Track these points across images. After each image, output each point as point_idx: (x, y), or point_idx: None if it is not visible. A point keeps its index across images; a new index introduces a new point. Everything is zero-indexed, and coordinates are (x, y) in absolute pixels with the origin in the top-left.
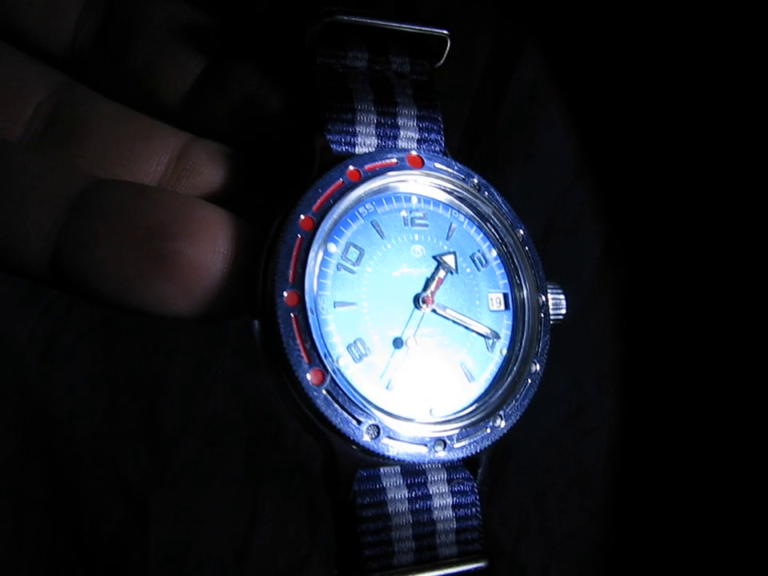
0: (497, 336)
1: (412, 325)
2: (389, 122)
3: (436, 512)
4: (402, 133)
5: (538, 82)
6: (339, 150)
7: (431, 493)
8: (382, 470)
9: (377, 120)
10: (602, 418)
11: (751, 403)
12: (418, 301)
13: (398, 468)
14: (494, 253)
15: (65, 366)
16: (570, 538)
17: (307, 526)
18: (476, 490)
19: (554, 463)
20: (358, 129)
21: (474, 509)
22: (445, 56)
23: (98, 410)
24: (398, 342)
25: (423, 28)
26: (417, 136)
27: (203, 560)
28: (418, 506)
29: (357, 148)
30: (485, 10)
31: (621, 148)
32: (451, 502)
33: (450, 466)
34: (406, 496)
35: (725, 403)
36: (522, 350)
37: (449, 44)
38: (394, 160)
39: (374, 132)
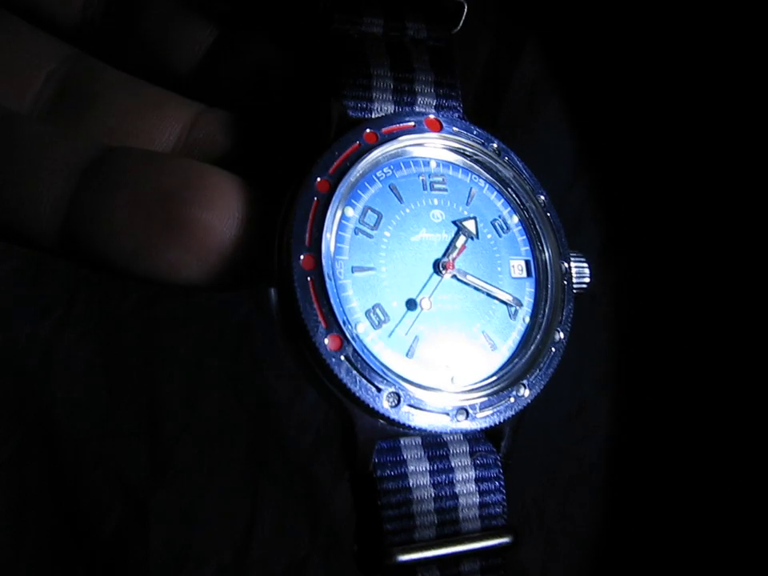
0: (519, 303)
1: (432, 291)
2: (405, 88)
3: (458, 486)
4: (419, 99)
5: (538, 82)
6: (355, 115)
7: (453, 466)
8: (402, 441)
9: (393, 86)
10: (602, 418)
11: (751, 403)
12: (438, 266)
13: (419, 440)
14: (516, 219)
15: (65, 366)
16: (570, 538)
17: (307, 526)
18: (499, 464)
19: (554, 463)
20: (374, 94)
21: (497, 482)
22: (462, 21)
23: (98, 410)
24: (411, 304)
25: None
26: (434, 102)
27: (203, 560)
28: (439, 479)
29: (374, 114)
30: (485, 10)
31: (621, 148)
32: (474, 476)
33: (472, 438)
34: (428, 469)
35: (725, 402)
36: (545, 318)
37: (465, 8)
38: (412, 123)
39: (390, 98)
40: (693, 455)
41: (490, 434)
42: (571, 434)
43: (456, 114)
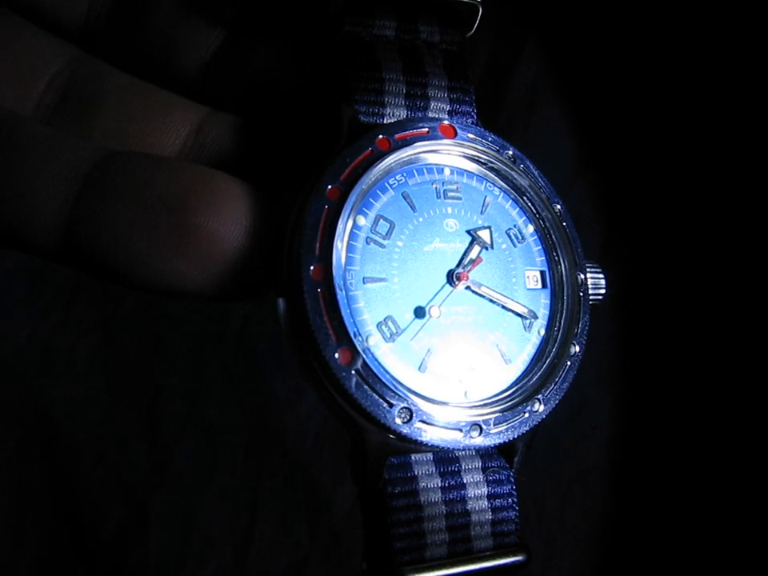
0: (534, 316)
1: (442, 300)
2: (418, 93)
3: (470, 502)
4: (432, 104)
5: (537, 83)
6: (367, 120)
7: (465, 482)
8: (413, 457)
9: (406, 90)
10: (602, 418)
11: (753, 403)
12: (451, 277)
13: (431, 455)
14: (531, 228)
15: (65, 366)
16: (570, 537)
17: (307, 526)
18: (512, 479)
19: (554, 463)
20: (386, 99)
21: (510, 499)
22: (476, 25)
23: (97, 410)
24: (419, 311)
25: None
26: (448, 107)
27: (203, 560)
28: (451, 495)
29: (386, 119)
30: (485, 10)
31: (621, 147)
32: (486, 492)
33: (484, 454)
34: (439, 485)
35: (726, 401)
36: (560, 331)
37: (480, 12)
38: (426, 129)
39: (403, 102)
40: (694, 455)
41: (503, 449)
42: (571, 434)
43: (470, 120)
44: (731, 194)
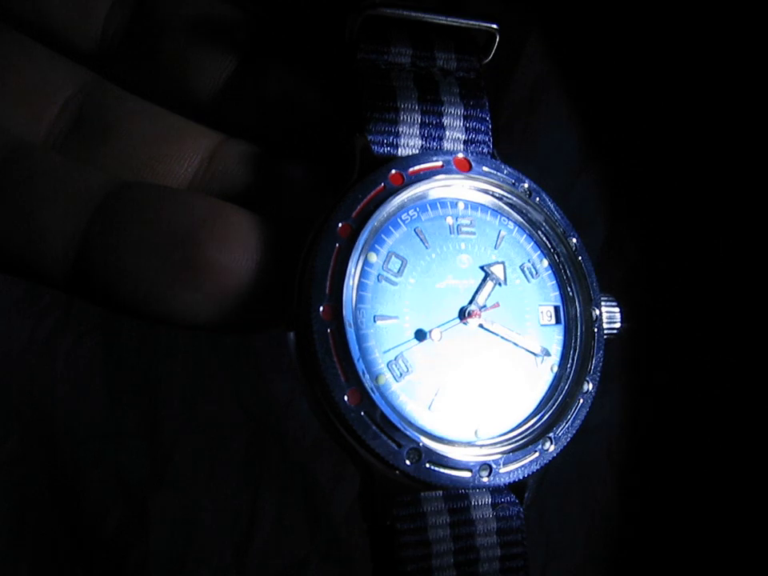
0: (547, 353)
1: (455, 338)
2: (434, 122)
3: (479, 539)
4: (447, 133)
5: (538, 83)
6: (381, 151)
7: (474, 518)
8: (422, 494)
9: (421, 120)
10: (602, 418)
11: (753, 402)
12: (463, 314)
13: (440, 492)
14: (546, 263)
15: (65, 366)
16: (570, 538)
17: (307, 526)
18: (522, 516)
19: (555, 463)
20: (401, 129)
21: (519, 535)
22: (493, 52)
23: (98, 410)
24: (419, 334)
25: (470, 22)
26: (463, 137)
27: (203, 560)
28: (460, 531)
29: (400, 149)
30: (487, 7)
31: (624, 144)
32: (495, 528)
33: (494, 490)
34: (448, 521)
35: (726, 401)
36: (573, 368)
37: (497, 39)
38: (440, 163)
39: (417, 132)
40: (695, 454)
41: (514, 486)
42: None
43: (485, 149)
44: (736, 192)
